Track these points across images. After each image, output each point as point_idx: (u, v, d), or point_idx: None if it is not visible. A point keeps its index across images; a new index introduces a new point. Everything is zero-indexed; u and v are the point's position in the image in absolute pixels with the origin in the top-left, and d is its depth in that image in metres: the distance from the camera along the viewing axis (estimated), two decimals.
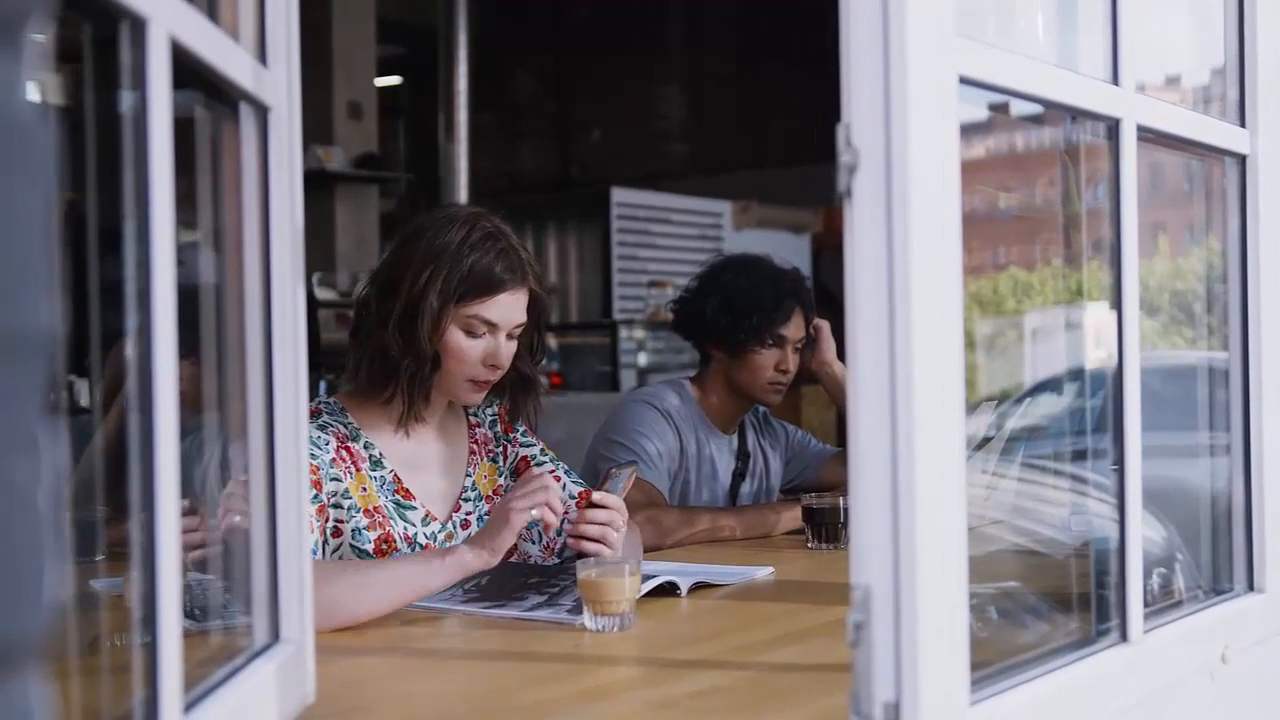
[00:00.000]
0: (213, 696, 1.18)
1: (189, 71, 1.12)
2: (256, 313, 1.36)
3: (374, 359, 2.22)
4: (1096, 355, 1.96)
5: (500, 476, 2.40)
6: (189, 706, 1.10)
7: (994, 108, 1.49)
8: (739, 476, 3.14)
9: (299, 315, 1.40)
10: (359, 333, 2.25)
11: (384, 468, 2.23)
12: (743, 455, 3.16)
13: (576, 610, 1.91)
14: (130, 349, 1.02)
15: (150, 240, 1.01)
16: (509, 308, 2.23)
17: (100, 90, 1.06)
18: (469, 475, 2.36)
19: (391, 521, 2.20)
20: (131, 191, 1.01)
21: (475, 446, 2.39)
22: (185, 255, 1.11)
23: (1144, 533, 1.57)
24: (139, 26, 0.99)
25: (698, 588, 2.18)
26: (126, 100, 1.02)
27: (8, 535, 0.58)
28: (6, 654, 0.58)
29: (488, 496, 2.37)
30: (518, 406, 2.38)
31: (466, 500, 2.34)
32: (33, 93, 0.61)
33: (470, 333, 2.21)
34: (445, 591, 2.04)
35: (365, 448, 2.23)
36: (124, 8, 0.97)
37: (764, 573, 2.36)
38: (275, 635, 1.38)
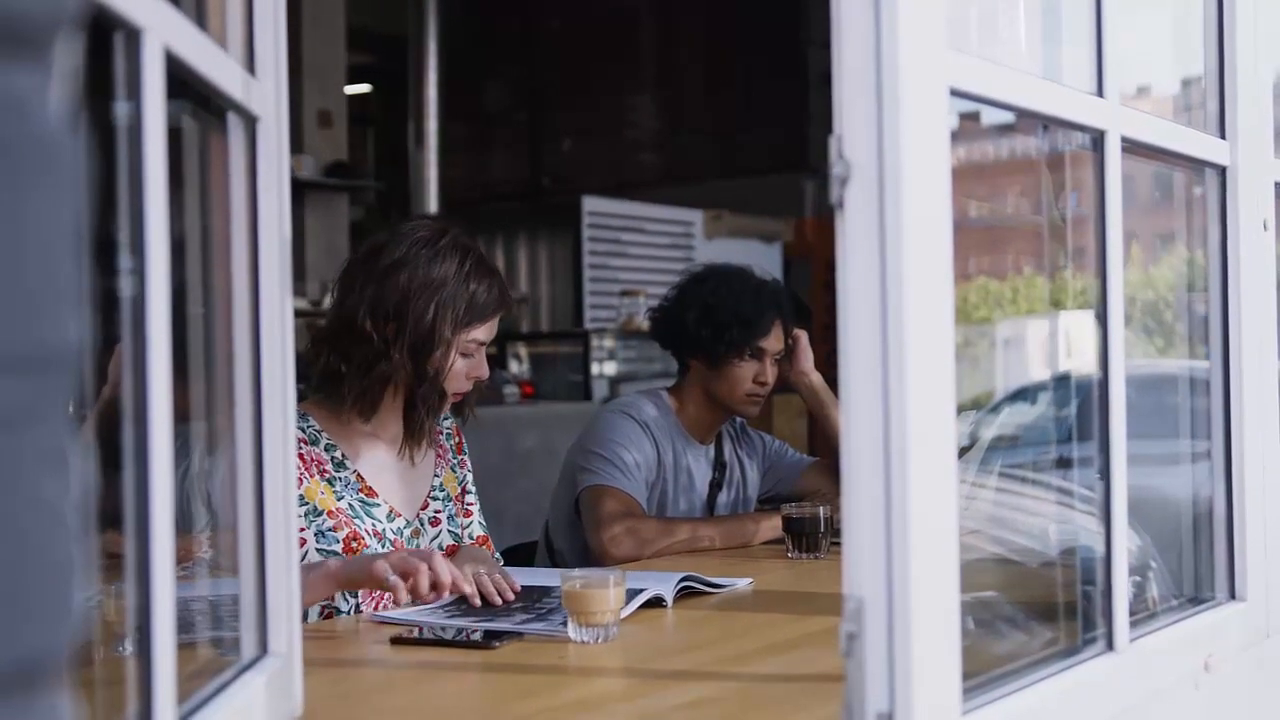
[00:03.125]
0: (203, 711, 1.17)
1: (178, 81, 1.11)
2: (244, 323, 1.35)
3: (380, 384, 2.27)
4: (1070, 364, 1.97)
5: (459, 484, 2.50)
6: None
7: (965, 116, 1.49)
8: (716, 486, 3.14)
9: (287, 326, 1.39)
10: (352, 359, 2.26)
11: (347, 469, 2.30)
12: (720, 465, 3.16)
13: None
14: (124, 359, 1.01)
15: (145, 250, 1.00)
16: (495, 326, 2.36)
17: (91, 99, 1.05)
18: (437, 475, 2.44)
19: (357, 519, 2.26)
20: (126, 200, 1.00)
21: (441, 450, 2.48)
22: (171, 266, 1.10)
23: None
24: (134, 37, 0.98)
25: (683, 595, 2.18)
26: (120, 109, 1.01)
27: (39, 551, 0.57)
28: (39, 670, 0.58)
29: (455, 497, 2.47)
30: (464, 400, 2.42)
31: (435, 499, 2.43)
32: (61, 107, 0.61)
33: (465, 354, 2.31)
34: (428, 608, 2.05)
35: (326, 450, 2.29)
36: (119, 18, 0.96)
37: (744, 583, 2.36)
38: (263, 648, 1.37)
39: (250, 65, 1.35)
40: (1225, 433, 1.85)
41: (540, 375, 7.58)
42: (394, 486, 2.35)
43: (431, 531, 2.40)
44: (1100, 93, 1.53)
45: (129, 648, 1.11)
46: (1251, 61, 1.85)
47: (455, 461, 2.51)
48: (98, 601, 1.51)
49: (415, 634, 1.91)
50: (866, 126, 1.17)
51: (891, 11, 1.16)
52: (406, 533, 2.34)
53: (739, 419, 3.21)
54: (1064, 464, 1.93)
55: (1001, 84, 1.37)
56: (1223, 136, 1.84)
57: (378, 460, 2.35)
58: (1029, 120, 1.60)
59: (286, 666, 1.39)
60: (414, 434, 2.33)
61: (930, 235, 1.20)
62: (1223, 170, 1.84)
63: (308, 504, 2.21)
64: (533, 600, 2.14)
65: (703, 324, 3.02)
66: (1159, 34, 2.15)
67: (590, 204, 8.23)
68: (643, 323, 7.28)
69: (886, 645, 1.16)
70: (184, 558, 1.47)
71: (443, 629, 1.94)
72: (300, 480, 2.20)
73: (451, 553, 2.42)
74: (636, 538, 2.76)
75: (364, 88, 10.36)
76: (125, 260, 1.00)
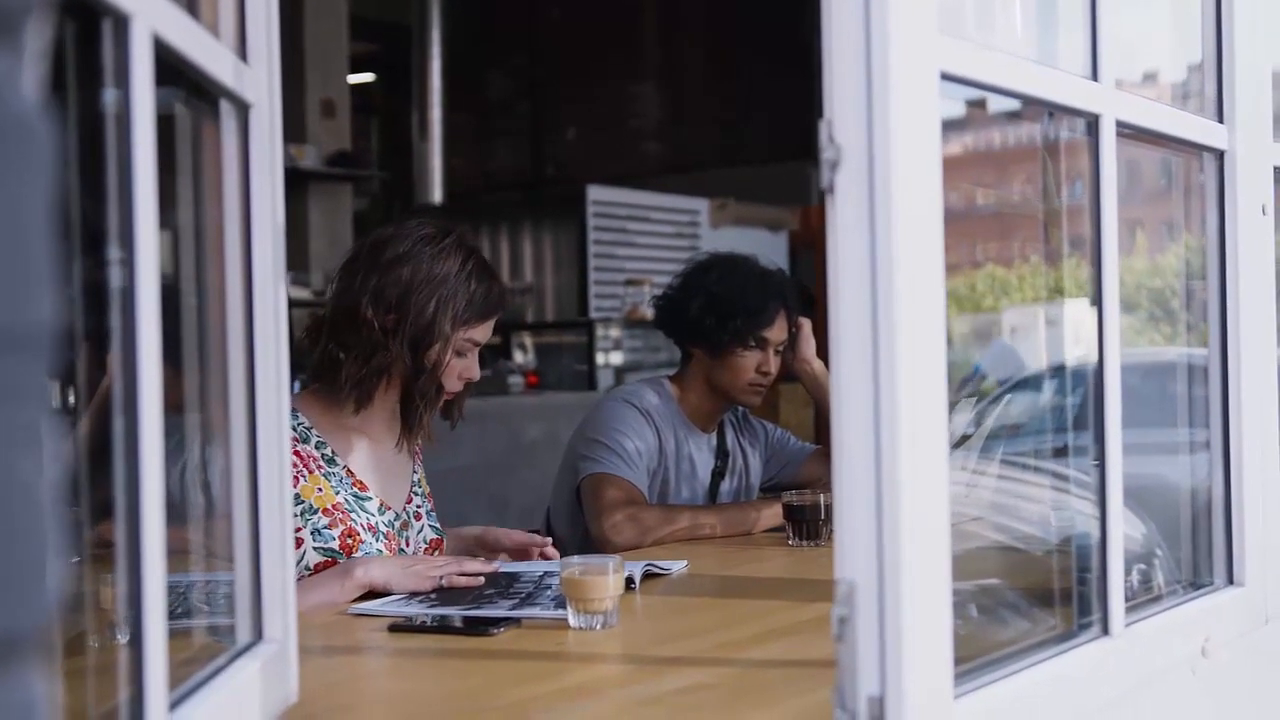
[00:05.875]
0: (197, 695, 1.17)
1: (169, 68, 1.11)
2: (238, 313, 1.35)
3: (377, 375, 2.30)
4: (1075, 352, 1.97)
5: (427, 483, 2.54)
6: (173, 705, 1.09)
7: (971, 104, 1.49)
8: (718, 475, 3.14)
9: (281, 315, 1.40)
10: (352, 348, 2.29)
11: (338, 464, 2.32)
12: (722, 454, 3.16)
13: (561, 604, 1.91)
14: (113, 350, 1.01)
15: (134, 239, 1.00)
16: (491, 328, 2.39)
17: (80, 87, 1.05)
18: (415, 472, 2.49)
19: (353, 515, 2.29)
20: (114, 189, 1.00)
21: (417, 450, 2.51)
22: (162, 254, 1.10)
23: (1124, 529, 1.58)
24: (122, 23, 0.99)
25: (647, 577, 2.23)
26: (108, 97, 1.01)
27: (13, 529, 0.58)
28: (11, 648, 0.58)
29: (428, 494, 2.51)
30: (454, 401, 2.44)
31: (417, 494, 2.47)
32: (33, 89, 0.61)
33: (459, 353, 2.34)
34: (403, 599, 2.07)
35: (317, 447, 2.32)
36: (107, 4, 0.96)
37: (680, 566, 2.39)
38: (258, 634, 1.37)
39: (242, 52, 1.35)
40: (1223, 419, 1.85)
41: (545, 365, 7.58)
42: (381, 481, 2.38)
43: (416, 525, 2.44)
44: (1095, 77, 1.53)
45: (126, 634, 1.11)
46: (1250, 44, 1.84)
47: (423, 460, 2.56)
48: (95, 589, 1.52)
49: (413, 621, 1.92)
50: (856, 111, 1.17)
51: None
52: (396, 525, 2.37)
53: (741, 407, 3.21)
54: (1067, 452, 1.93)
55: (994, 68, 1.36)
56: (1221, 120, 1.84)
57: (364, 455, 2.37)
58: (1033, 106, 1.60)
59: (282, 652, 1.40)
60: (411, 426, 2.35)
61: (921, 220, 1.20)
62: (1220, 155, 1.84)
63: (304, 503, 2.23)
64: (506, 586, 2.14)
65: (707, 313, 3.02)
66: (1164, 20, 2.15)
67: (595, 193, 8.22)
68: (647, 312, 7.28)
69: (878, 628, 1.17)
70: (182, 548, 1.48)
71: (437, 616, 1.94)
72: (297, 479, 2.22)
73: (435, 546, 2.47)
74: (638, 525, 2.76)
75: (367, 77, 10.36)
76: (114, 250, 1.01)
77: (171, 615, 1.15)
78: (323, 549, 2.23)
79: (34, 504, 0.59)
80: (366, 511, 2.31)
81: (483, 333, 2.36)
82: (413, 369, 2.29)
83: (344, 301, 2.31)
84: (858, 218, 1.17)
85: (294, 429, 2.28)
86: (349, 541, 2.25)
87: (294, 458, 2.23)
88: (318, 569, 2.22)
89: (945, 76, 1.25)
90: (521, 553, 2.45)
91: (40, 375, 0.61)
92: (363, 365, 2.28)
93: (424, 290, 2.27)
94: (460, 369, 2.34)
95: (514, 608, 1.98)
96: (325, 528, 2.24)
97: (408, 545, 2.38)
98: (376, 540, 2.30)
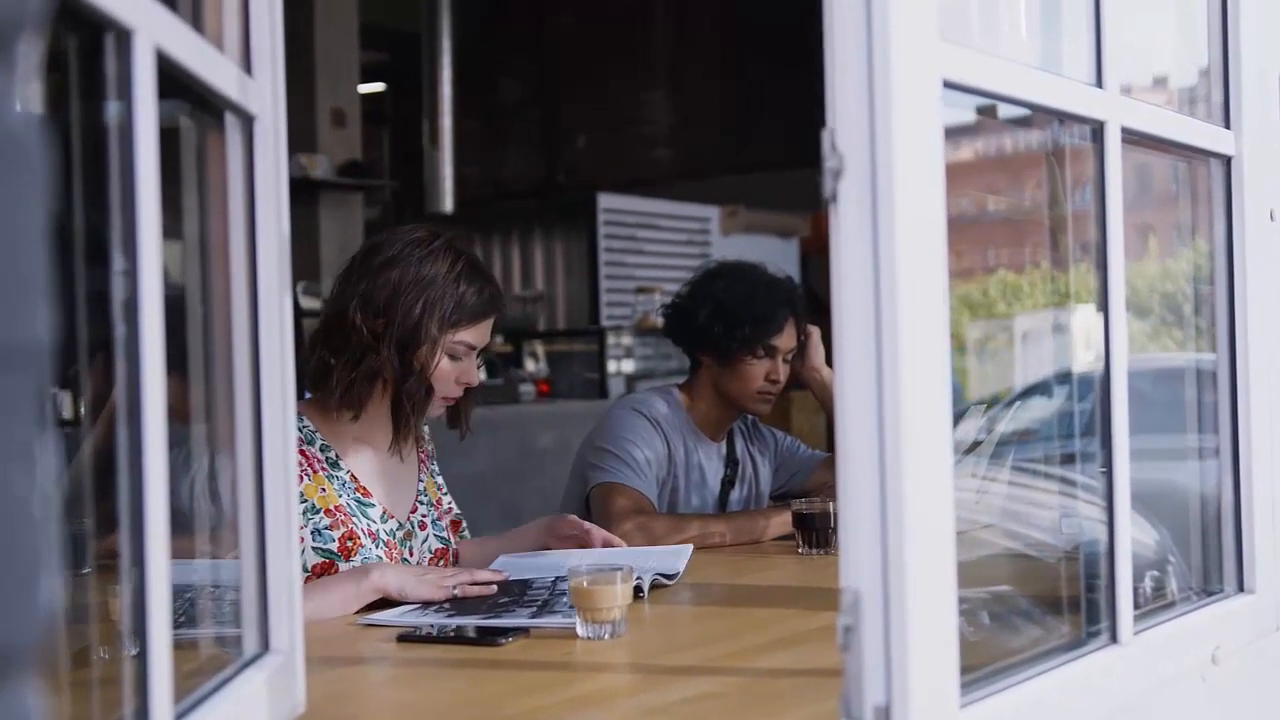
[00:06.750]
0: (203, 707, 1.17)
1: (173, 81, 1.12)
2: (243, 324, 1.36)
3: (367, 379, 2.29)
4: (1086, 358, 1.97)
5: (438, 490, 2.53)
6: (179, 717, 1.10)
7: (981, 111, 1.49)
8: (728, 483, 3.14)
9: (286, 326, 1.40)
10: (342, 352, 2.29)
11: (342, 469, 2.33)
12: (731, 462, 3.16)
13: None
14: (117, 361, 1.02)
15: (137, 251, 1.01)
16: (487, 331, 2.38)
17: (84, 100, 1.05)
18: (420, 481, 2.48)
19: (354, 519, 2.30)
20: (117, 201, 1.01)
21: (423, 457, 2.52)
22: (169, 265, 1.10)
23: (1136, 536, 1.58)
24: (125, 37, 0.99)
25: (655, 587, 2.23)
26: (111, 110, 1.02)
27: (6, 544, 0.58)
28: (5, 662, 0.58)
29: (435, 503, 2.50)
30: (460, 410, 2.44)
31: (422, 503, 2.46)
32: (27, 103, 0.61)
33: (453, 356, 2.33)
34: (417, 609, 2.06)
35: (321, 450, 2.32)
36: (110, 18, 0.96)
37: (685, 550, 2.43)
38: (265, 645, 1.37)
39: (247, 64, 1.35)
40: (1232, 425, 1.85)
41: (556, 373, 7.57)
42: (386, 489, 2.38)
43: (420, 535, 2.43)
44: (1099, 83, 1.52)
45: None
46: (1257, 50, 1.84)
47: (433, 469, 2.55)
48: (103, 601, 1.52)
49: (420, 631, 1.92)
50: (859, 120, 1.17)
51: (883, 3, 1.16)
52: (399, 534, 2.37)
53: (751, 415, 3.21)
54: (1077, 458, 1.92)
55: (997, 75, 1.36)
56: (1228, 126, 1.83)
57: (368, 463, 2.38)
58: (1038, 112, 1.60)
59: (288, 663, 1.40)
60: (400, 430, 2.35)
61: (924, 227, 1.20)
62: (1228, 160, 1.83)
63: (306, 501, 2.23)
64: (519, 595, 2.14)
65: (715, 321, 3.01)
66: (1171, 25, 2.14)
67: (606, 201, 8.21)
68: (658, 320, 7.27)
69: (883, 638, 1.16)
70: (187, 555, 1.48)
71: (448, 627, 1.94)
72: (301, 478, 2.22)
73: (440, 555, 2.46)
74: (647, 534, 2.76)
75: (378, 86, 10.36)
76: (118, 262, 1.01)
77: (177, 624, 1.15)
78: (322, 549, 2.24)
79: (27, 519, 0.59)
80: (368, 518, 2.31)
81: (475, 335, 2.34)
82: (401, 372, 2.29)
83: (335, 308, 2.33)
84: (860, 226, 1.17)
85: (300, 431, 2.28)
86: (348, 545, 2.26)
87: (299, 457, 2.24)
88: (316, 570, 2.22)
89: (948, 84, 1.25)
90: (579, 540, 2.48)
91: (35, 390, 0.61)
92: (352, 370, 2.28)
93: (411, 292, 2.27)
94: (456, 373, 2.33)
95: (532, 616, 1.98)
96: (326, 528, 2.25)
97: (411, 555, 2.38)
98: (376, 546, 2.29)
